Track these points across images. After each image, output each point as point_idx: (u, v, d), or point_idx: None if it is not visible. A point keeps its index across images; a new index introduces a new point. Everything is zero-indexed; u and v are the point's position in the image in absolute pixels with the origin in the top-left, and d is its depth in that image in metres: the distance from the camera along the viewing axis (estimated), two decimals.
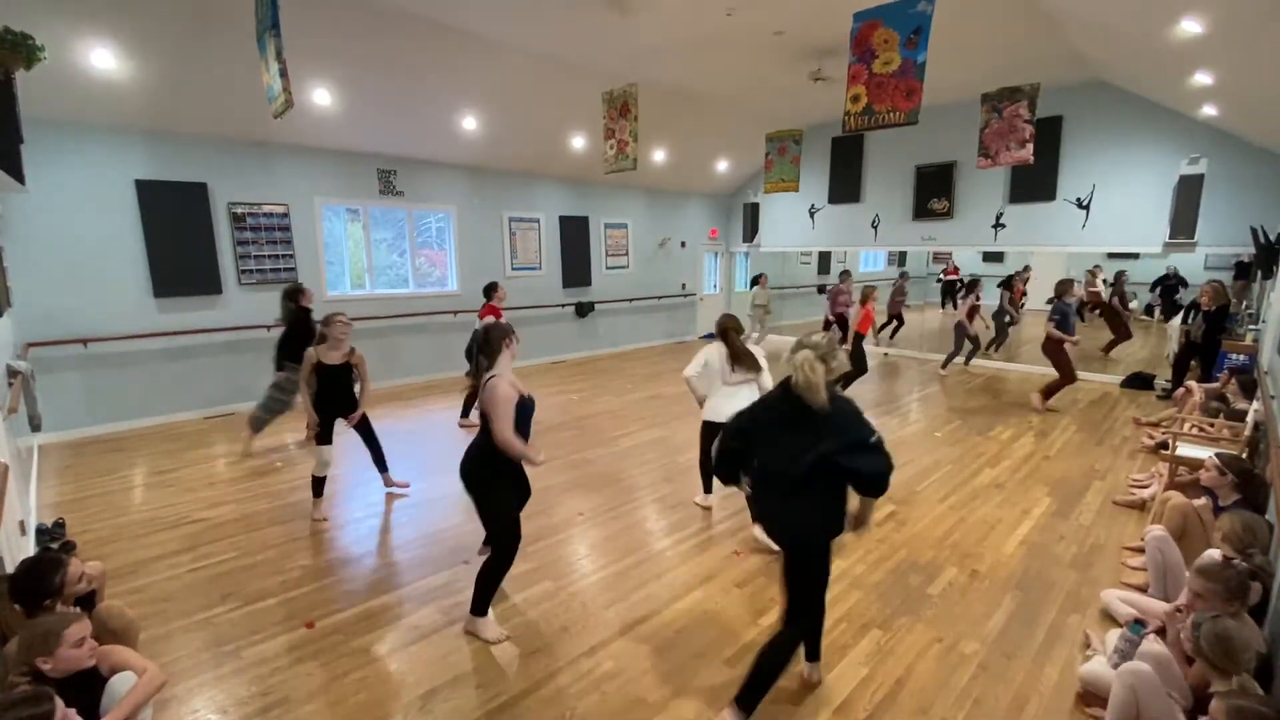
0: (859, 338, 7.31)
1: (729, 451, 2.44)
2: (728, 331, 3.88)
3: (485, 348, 2.81)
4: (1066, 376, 6.64)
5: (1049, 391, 6.77)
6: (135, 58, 5.11)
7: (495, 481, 2.80)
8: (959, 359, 9.02)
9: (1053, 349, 6.59)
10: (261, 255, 6.79)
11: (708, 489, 4.30)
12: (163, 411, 6.36)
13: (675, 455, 5.36)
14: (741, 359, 3.82)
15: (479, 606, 2.86)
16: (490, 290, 6.10)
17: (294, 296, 5.36)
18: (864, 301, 7.12)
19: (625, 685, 2.54)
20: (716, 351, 3.89)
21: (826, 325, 8.76)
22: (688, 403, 7.15)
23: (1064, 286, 6.48)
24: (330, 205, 7.39)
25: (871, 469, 2.13)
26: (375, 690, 2.51)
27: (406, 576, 3.39)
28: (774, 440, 2.28)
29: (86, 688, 1.91)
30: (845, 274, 9.08)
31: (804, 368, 2.19)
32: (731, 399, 3.63)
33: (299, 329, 5.23)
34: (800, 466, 2.16)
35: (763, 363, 3.88)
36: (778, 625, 2.43)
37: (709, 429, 3.88)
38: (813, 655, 2.57)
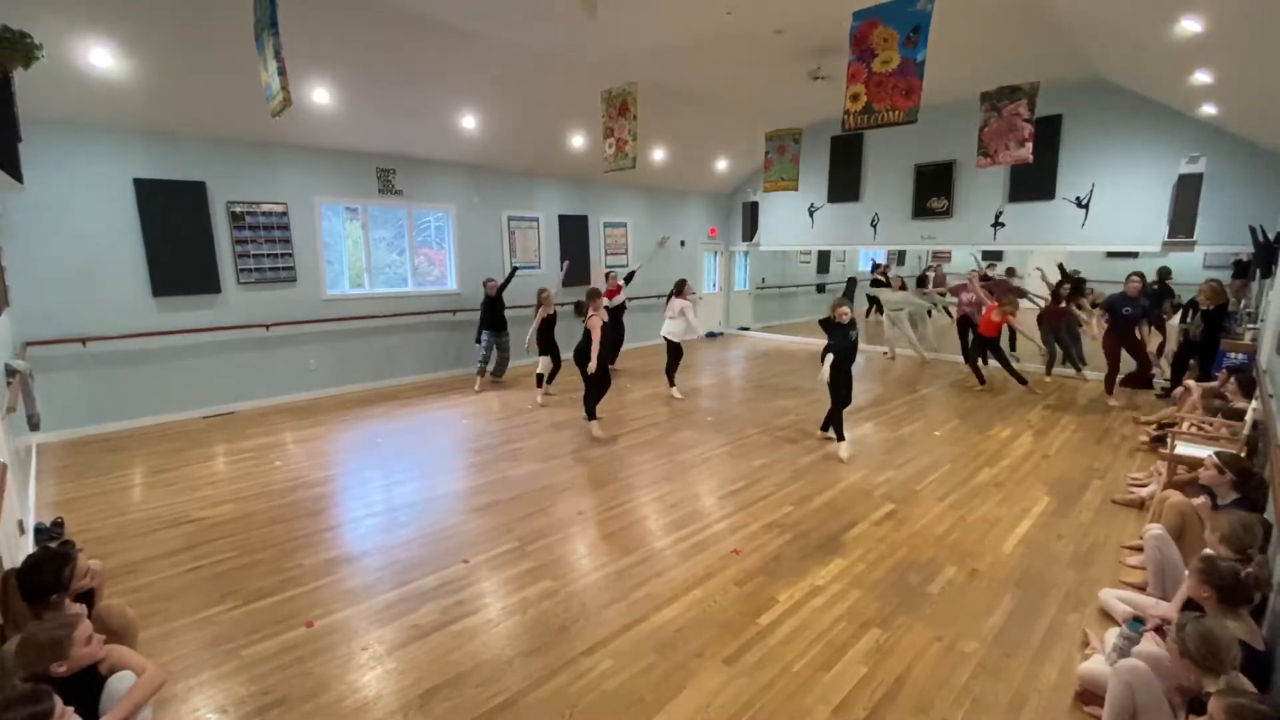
0: (983, 342, 7.60)
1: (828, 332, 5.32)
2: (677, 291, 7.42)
3: (583, 304, 5.86)
4: (1112, 368, 6.92)
5: (1109, 384, 7.00)
6: (133, 56, 5.10)
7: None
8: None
9: (1107, 343, 6.86)
10: (260, 254, 6.79)
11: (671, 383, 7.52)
12: (161, 411, 6.36)
13: (674, 454, 5.36)
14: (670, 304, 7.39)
15: (590, 415, 5.83)
16: (607, 278, 8.84)
17: (485, 285, 7.72)
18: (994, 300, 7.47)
19: (625, 684, 2.54)
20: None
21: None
22: (685, 401, 7.17)
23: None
24: (329, 204, 7.38)
25: (852, 349, 5.31)
26: (375, 689, 2.51)
27: (406, 575, 3.39)
28: (838, 335, 5.22)
29: (86, 687, 1.91)
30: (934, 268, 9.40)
31: (830, 305, 5.28)
32: (664, 324, 7.36)
33: (490, 305, 7.67)
34: (853, 338, 5.27)
35: (683, 313, 7.19)
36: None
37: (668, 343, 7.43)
38: (840, 437, 5.37)
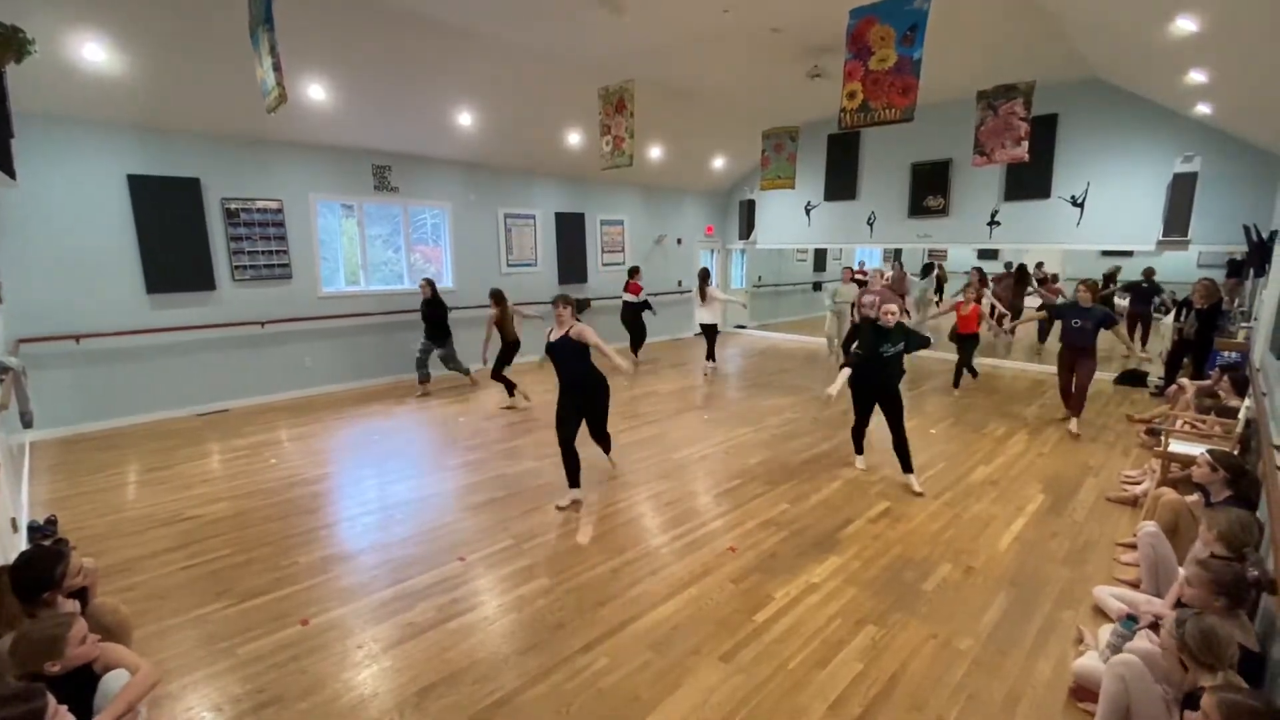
0: (961, 339, 7.53)
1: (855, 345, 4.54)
2: (703, 282, 8.32)
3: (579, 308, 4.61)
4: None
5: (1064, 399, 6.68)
6: (128, 52, 5.06)
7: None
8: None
9: (1059, 358, 6.67)
10: (255, 251, 6.75)
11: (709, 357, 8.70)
12: (155, 408, 6.32)
13: (670, 452, 5.36)
14: (703, 296, 8.37)
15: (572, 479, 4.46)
16: (634, 271, 9.19)
17: (420, 287, 7.23)
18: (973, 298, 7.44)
19: (621, 682, 2.54)
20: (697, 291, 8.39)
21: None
22: (683, 400, 7.17)
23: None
24: (325, 201, 7.35)
25: (913, 347, 4.55)
26: (370, 687, 2.51)
27: (402, 573, 3.38)
28: (863, 339, 4.47)
29: (80, 685, 1.90)
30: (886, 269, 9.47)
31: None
32: (699, 312, 8.50)
33: (428, 308, 7.24)
34: (888, 354, 4.39)
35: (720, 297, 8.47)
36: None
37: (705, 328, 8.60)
38: (907, 468, 4.54)
